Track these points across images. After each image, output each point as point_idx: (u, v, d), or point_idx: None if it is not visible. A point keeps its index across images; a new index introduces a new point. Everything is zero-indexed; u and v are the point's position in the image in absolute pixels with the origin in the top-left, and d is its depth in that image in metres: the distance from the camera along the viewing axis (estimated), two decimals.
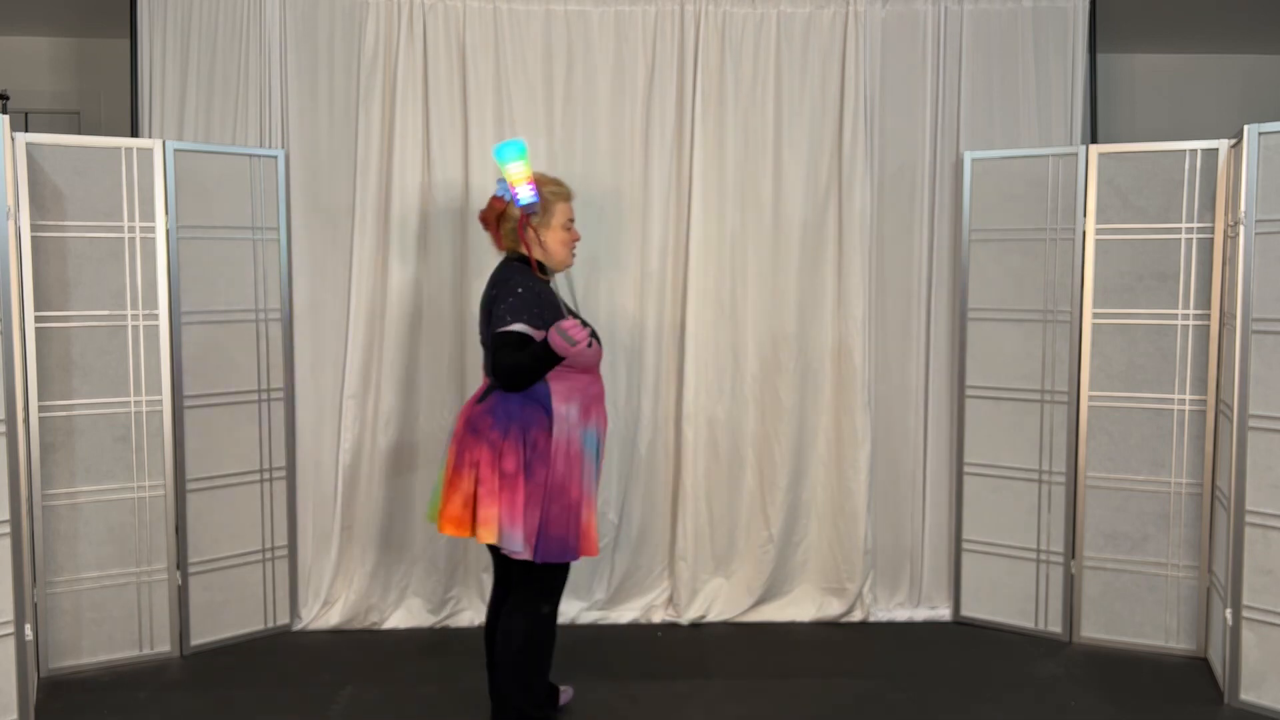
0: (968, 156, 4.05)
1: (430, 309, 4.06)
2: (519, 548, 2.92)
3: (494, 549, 3.09)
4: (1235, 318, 3.41)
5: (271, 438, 3.98)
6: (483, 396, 3.04)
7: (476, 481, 2.94)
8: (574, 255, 3.16)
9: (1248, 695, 3.40)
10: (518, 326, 2.90)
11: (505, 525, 2.91)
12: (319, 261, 4.05)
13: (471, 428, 2.98)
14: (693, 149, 4.08)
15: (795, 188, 4.11)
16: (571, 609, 4.14)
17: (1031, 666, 3.75)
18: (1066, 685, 3.59)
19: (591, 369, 3.07)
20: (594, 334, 3.06)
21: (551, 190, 3.08)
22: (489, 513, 2.92)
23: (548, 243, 3.08)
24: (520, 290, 2.95)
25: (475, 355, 4.03)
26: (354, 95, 4.02)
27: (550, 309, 2.98)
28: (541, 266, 3.08)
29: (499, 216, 3.09)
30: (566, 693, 3.41)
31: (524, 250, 3.06)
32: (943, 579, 4.23)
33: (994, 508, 4.10)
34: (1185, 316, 3.76)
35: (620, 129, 4.09)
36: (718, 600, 4.19)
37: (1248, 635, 3.39)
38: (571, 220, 3.12)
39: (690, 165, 4.08)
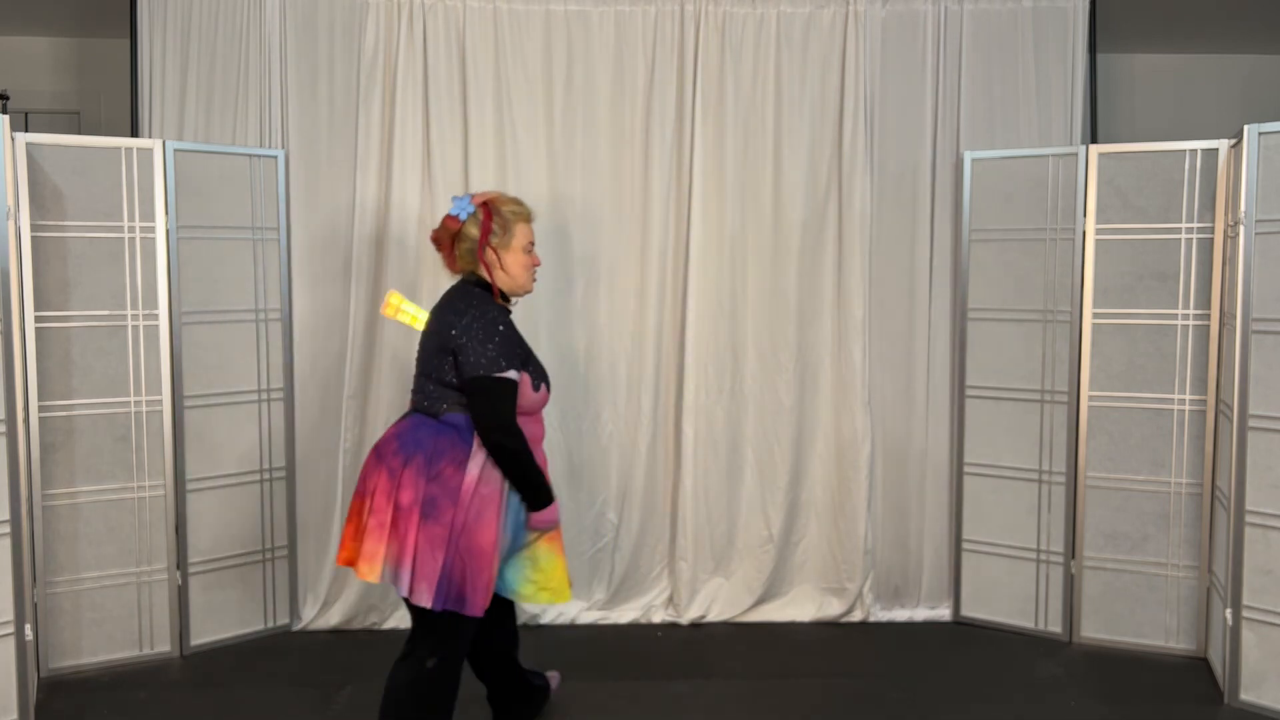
0: (968, 156, 4.05)
1: (430, 309, 4.05)
2: (405, 591, 2.65)
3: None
4: (1235, 318, 3.41)
5: (271, 438, 3.98)
6: (403, 422, 2.84)
7: (369, 512, 2.71)
8: (534, 281, 2.99)
9: (1248, 695, 3.40)
10: (512, 374, 2.73)
11: (394, 564, 2.66)
12: (319, 261, 4.05)
13: (377, 452, 2.77)
14: (693, 149, 4.08)
15: (795, 188, 4.11)
16: (571, 609, 4.14)
17: (1031, 666, 3.75)
18: (1066, 685, 3.59)
19: (534, 411, 2.87)
20: (544, 376, 2.89)
21: (512, 210, 2.90)
22: (374, 548, 2.67)
23: (509, 266, 2.88)
24: (502, 328, 2.76)
25: None
26: (354, 95, 4.02)
27: (521, 348, 2.83)
28: (502, 293, 2.91)
29: (454, 236, 2.89)
30: (554, 678, 3.40)
31: (483, 274, 2.89)
32: (943, 579, 4.23)
33: (994, 508, 4.09)
34: (1185, 316, 3.76)
35: (620, 129, 4.09)
36: (718, 600, 4.19)
37: (1248, 635, 3.39)
38: (532, 243, 2.95)
39: (690, 165, 4.08)
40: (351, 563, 2.78)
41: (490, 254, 2.87)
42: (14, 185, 3.40)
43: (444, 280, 4.01)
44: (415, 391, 2.88)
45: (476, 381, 2.72)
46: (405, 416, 2.87)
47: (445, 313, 2.83)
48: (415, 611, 2.74)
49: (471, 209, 2.88)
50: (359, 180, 4.02)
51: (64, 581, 3.63)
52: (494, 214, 2.89)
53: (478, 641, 3.02)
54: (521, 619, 4.11)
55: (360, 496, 2.78)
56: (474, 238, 2.87)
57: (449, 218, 2.90)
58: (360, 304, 4.02)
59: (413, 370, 4.00)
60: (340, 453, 4.06)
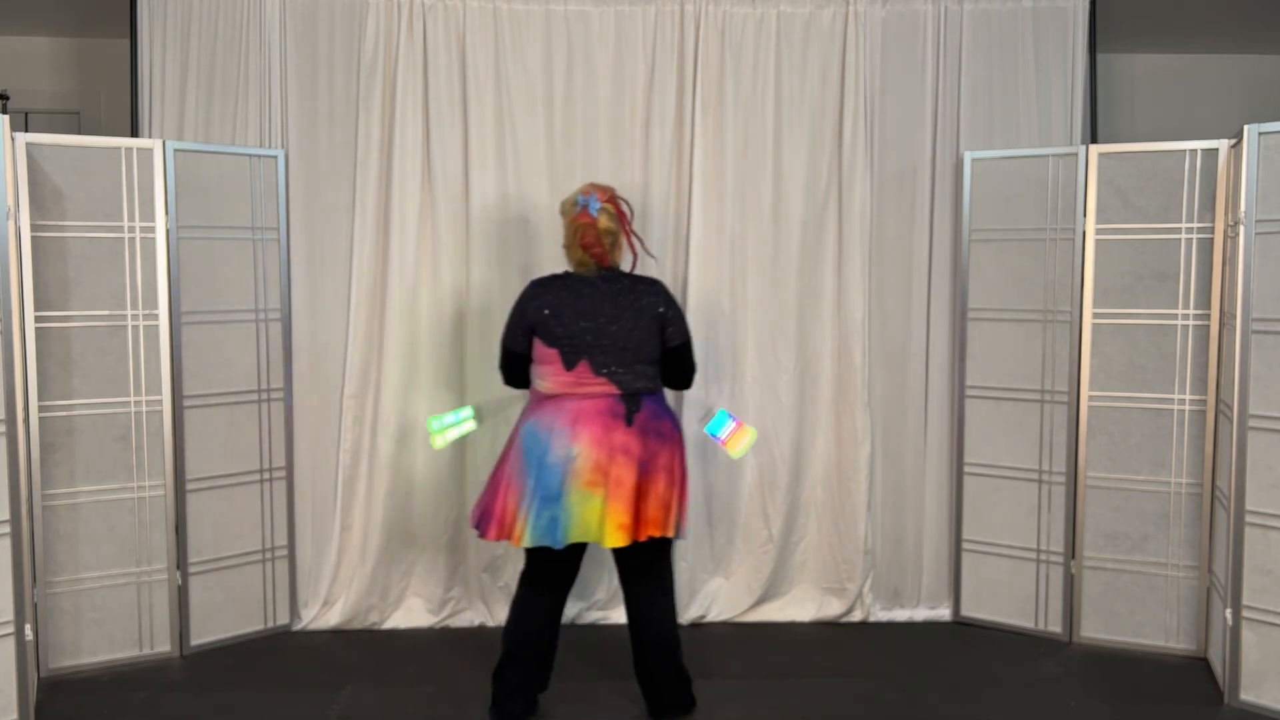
0: (968, 156, 4.05)
1: (430, 309, 4.06)
2: (683, 534, 3.18)
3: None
4: (1235, 318, 3.41)
5: (271, 438, 3.98)
6: (637, 405, 3.10)
7: (671, 484, 3.09)
8: None
9: (1248, 695, 3.40)
10: None
11: (678, 519, 3.13)
12: (319, 261, 4.04)
13: (655, 434, 3.08)
14: (693, 149, 4.07)
15: (795, 188, 4.11)
16: (572, 609, 4.13)
17: (1031, 666, 3.75)
18: (1066, 685, 3.59)
19: None
20: None
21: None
22: (682, 508, 3.13)
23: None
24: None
25: (477, 354, 4.02)
26: (354, 95, 4.02)
27: None
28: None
29: (600, 232, 3.17)
30: None
31: (618, 260, 3.22)
32: (943, 579, 4.23)
33: (994, 508, 4.09)
34: (1185, 316, 3.76)
35: (620, 129, 4.09)
36: (718, 600, 4.19)
37: (1248, 635, 3.39)
38: None
39: (690, 165, 4.08)
40: (658, 531, 3.05)
41: (637, 241, 3.28)
42: (14, 185, 3.39)
43: (446, 280, 4.04)
44: (631, 376, 3.12)
45: (689, 342, 3.24)
46: (644, 401, 3.13)
47: (636, 299, 3.15)
48: (658, 549, 3.16)
49: (599, 204, 3.16)
50: (359, 180, 4.01)
51: (64, 581, 3.63)
52: (622, 203, 3.23)
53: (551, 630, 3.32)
54: None
55: (652, 475, 3.06)
56: (616, 230, 3.19)
57: (587, 216, 3.15)
58: (360, 303, 4.02)
59: (412, 371, 4.04)
60: (340, 453, 4.06)
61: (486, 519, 3.13)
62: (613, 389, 3.10)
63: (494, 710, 3.25)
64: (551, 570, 3.20)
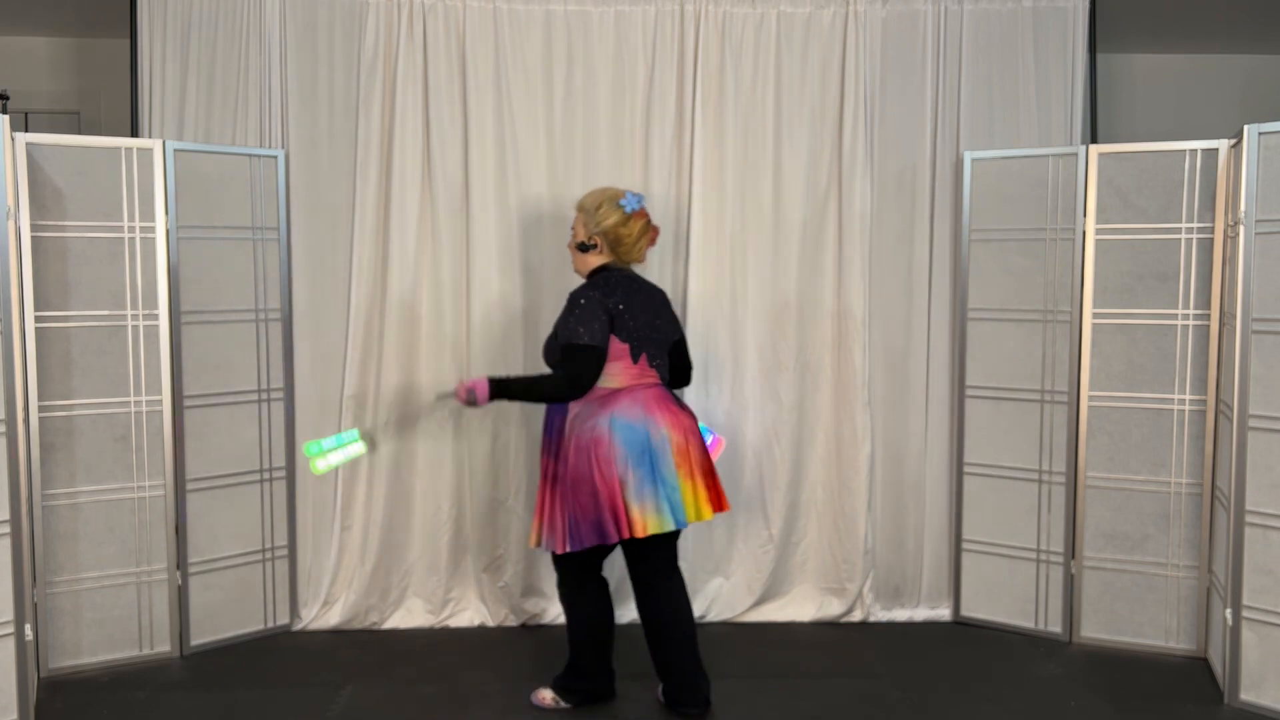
0: (968, 156, 4.05)
1: (430, 309, 4.06)
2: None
3: (637, 540, 3.19)
4: (1235, 318, 3.41)
5: (271, 438, 3.98)
6: (676, 393, 3.33)
7: (710, 463, 3.26)
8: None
9: (1248, 695, 3.40)
10: None
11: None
12: (319, 261, 4.04)
13: (691, 418, 3.24)
14: (693, 149, 4.07)
15: (795, 188, 4.11)
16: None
17: (1031, 666, 3.75)
18: (1066, 685, 3.59)
19: None
20: None
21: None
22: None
23: None
24: None
25: (477, 355, 4.04)
26: (354, 95, 4.02)
27: None
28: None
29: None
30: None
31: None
32: (943, 579, 4.23)
33: (994, 508, 4.09)
34: (1185, 316, 3.76)
35: (620, 129, 4.09)
36: (718, 600, 4.19)
37: (1248, 635, 3.39)
38: None
39: (690, 165, 4.08)
40: (724, 507, 3.23)
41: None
42: (14, 185, 3.40)
43: (446, 280, 4.04)
44: (666, 368, 3.30)
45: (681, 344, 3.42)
46: (677, 395, 3.34)
47: (660, 296, 3.32)
48: (676, 539, 3.27)
49: None
50: (359, 180, 4.01)
51: (64, 581, 3.63)
52: None
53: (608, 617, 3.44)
54: (521, 619, 4.12)
55: (697, 463, 3.18)
56: (650, 234, 3.32)
57: (646, 212, 3.29)
58: (360, 304, 4.02)
59: (412, 371, 4.05)
60: None
61: (594, 525, 3.07)
62: (657, 379, 3.25)
63: (587, 698, 3.38)
64: (601, 562, 3.34)
